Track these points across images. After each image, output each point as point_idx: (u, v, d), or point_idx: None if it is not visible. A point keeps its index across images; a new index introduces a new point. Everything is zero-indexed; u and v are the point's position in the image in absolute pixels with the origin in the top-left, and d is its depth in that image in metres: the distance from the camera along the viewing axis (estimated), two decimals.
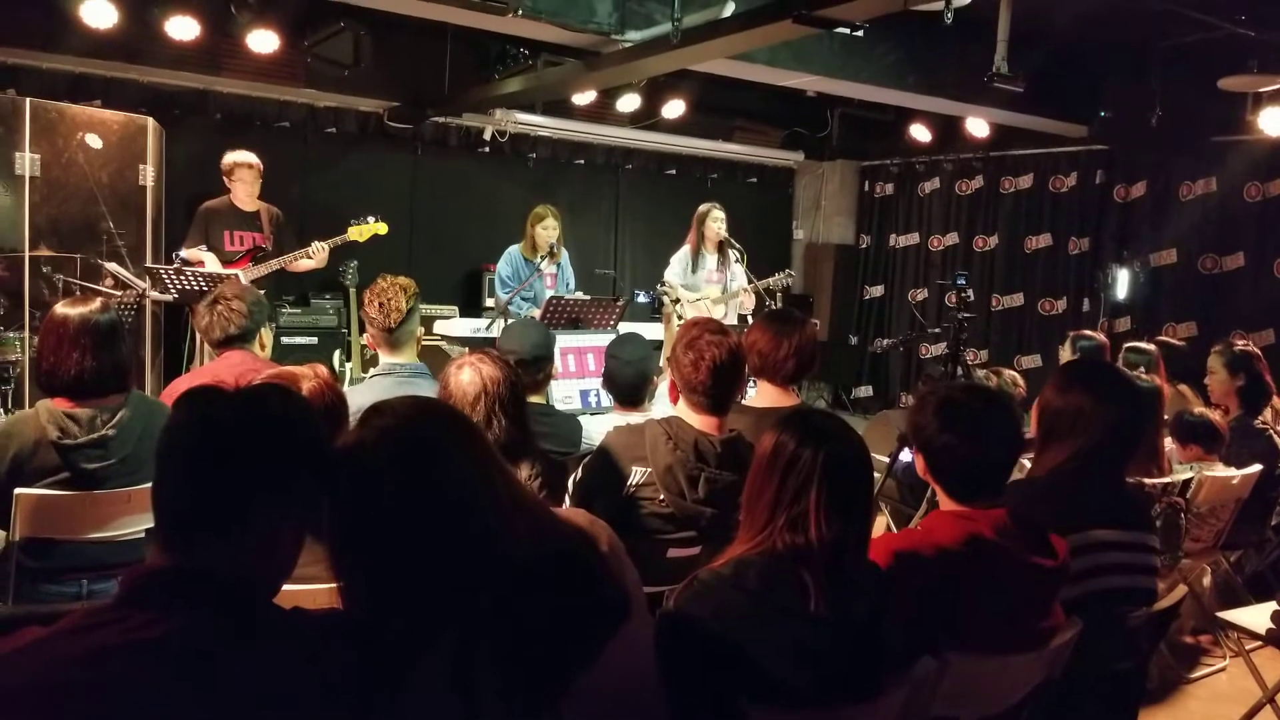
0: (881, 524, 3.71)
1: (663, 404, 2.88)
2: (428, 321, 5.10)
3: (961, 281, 3.97)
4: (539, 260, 4.99)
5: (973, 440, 1.65)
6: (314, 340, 5.75)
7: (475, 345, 5.80)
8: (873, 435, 4.86)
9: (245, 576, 1.01)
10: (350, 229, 5.02)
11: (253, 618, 0.98)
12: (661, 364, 3.80)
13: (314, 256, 4.88)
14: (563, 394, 3.87)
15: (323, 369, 1.76)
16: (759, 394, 2.49)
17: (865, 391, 8.22)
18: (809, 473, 1.42)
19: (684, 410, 2.11)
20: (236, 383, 1.07)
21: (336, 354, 5.63)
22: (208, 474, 1.01)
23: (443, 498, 1.03)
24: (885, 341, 7.92)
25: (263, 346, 2.72)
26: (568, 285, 5.25)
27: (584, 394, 3.95)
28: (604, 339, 4.16)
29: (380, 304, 2.48)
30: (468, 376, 1.86)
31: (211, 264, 4.81)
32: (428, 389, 2.44)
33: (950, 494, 1.72)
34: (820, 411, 1.50)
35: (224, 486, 1.02)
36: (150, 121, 5.16)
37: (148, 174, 5.06)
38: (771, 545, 1.42)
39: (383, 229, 5.08)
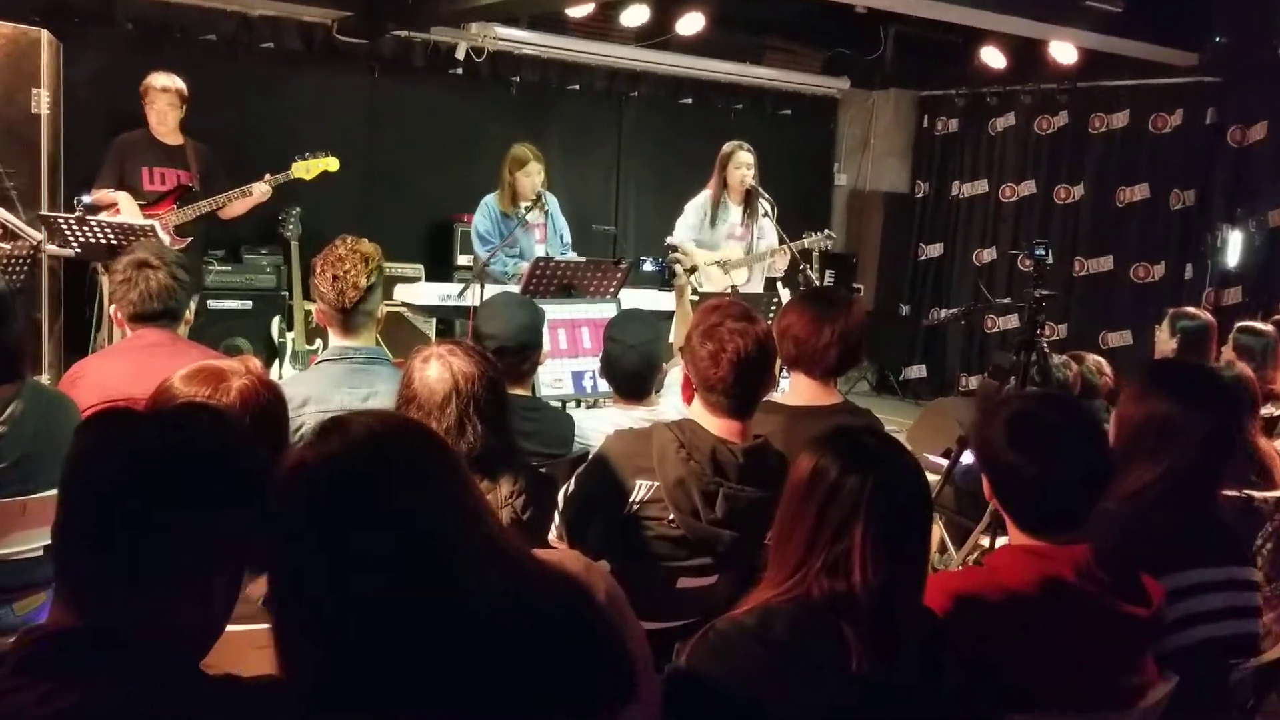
0: (935, 537, 3.73)
1: (674, 396, 2.91)
2: (387, 284, 5.09)
3: (1040, 253, 3.93)
4: (520, 212, 4.96)
5: (1048, 462, 1.65)
6: (247, 305, 5.75)
7: (446, 316, 5.90)
8: (926, 427, 4.89)
9: (169, 638, 1.01)
10: (295, 165, 4.99)
11: (177, 690, 0.97)
12: (671, 340, 3.80)
13: (256, 193, 4.87)
14: (551, 377, 3.87)
15: (255, 363, 1.74)
16: (793, 389, 2.48)
17: (918, 372, 8.23)
18: (853, 505, 1.41)
19: (699, 411, 2.10)
20: (151, 398, 1.05)
21: (275, 321, 5.62)
22: (124, 519, 1.00)
23: (411, 542, 1.02)
24: (943, 313, 7.92)
25: (186, 323, 2.70)
26: (561, 237, 5.22)
27: (577, 377, 3.95)
28: (602, 311, 4.17)
29: (334, 277, 2.46)
30: (435, 373, 1.85)
31: (127, 207, 4.78)
32: (387, 380, 2.44)
33: (1021, 525, 1.71)
34: (869, 429, 1.49)
35: (144, 533, 1.01)
36: (44, 34, 5.02)
37: (42, 100, 4.99)
38: (806, 591, 1.42)
39: (333, 165, 5.05)
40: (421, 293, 4.78)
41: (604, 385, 3.20)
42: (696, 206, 5.47)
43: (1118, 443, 1.93)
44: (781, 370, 3.12)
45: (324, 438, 1.09)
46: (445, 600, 1.00)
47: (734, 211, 5.49)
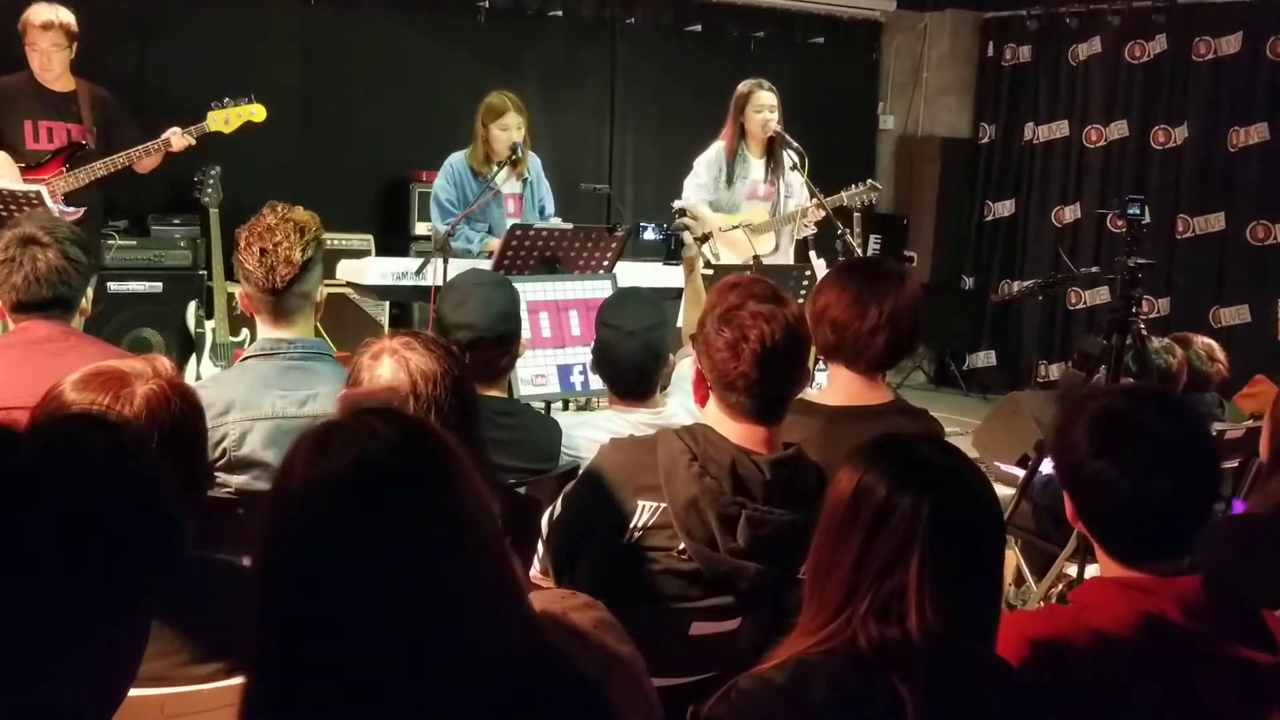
0: (1009, 565, 3.74)
1: (684, 395, 2.91)
2: (329, 259, 5.09)
3: (1135, 211, 3.92)
4: (493, 174, 4.95)
5: (1144, 474, 1.64)
6: (157, 288, 5.75)
7: (402, 299, 5.93)
8: (996, 429, 4.90)
9: (61, 715, 1.00)
10: (212, 115, 4.95)
11: None
12: (680, 325, 3.80)
13: (175, 145, 4.82)
14: (532, 372, 3.88)
15: (165, 364, 1.74)
16: (832, 385, 2.48)
17: (985, 360, 8.25)
18: (908, 532, 1.41)
19: (716, 415, 2.09)
20: (36, 409, 1.05)
21: (191, 308, 5.63)
22: None
23: (421, 590, 1.06)
24: (1016, 286, 7.91)
25: (82, 313, 2.70)
26: (541, 209, 5.23)
27: (563, 373, 3.96)
28: (593, 289, 4.19)
29: (263, 252, 2.45)
30: (388, 372, 1.85)
31: (5, 170, 4.77)
32: (330, 379, 2.44)
33: (1113, 552, 1.71)
34: (926, 435, 1.48)
35: (22, 593, 1.00)
36: None
37: None
38: (850, 639, 1.42)
39: (259, 114, 5.02)
40: (371, 270, 4.77)
41: (597, 382, 3.20)
42: (709, 161, 5.46)
43: (1271, 445, 1.92)
44: (817, 362, 3.12)
45: (321, 449, 1.11)
46: (462, 657, 1.04)
47: (755, 165, 5.48)
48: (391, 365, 1.85)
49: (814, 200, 5.27)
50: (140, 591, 1.06)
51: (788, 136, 5.27)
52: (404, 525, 1.07)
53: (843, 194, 5.45)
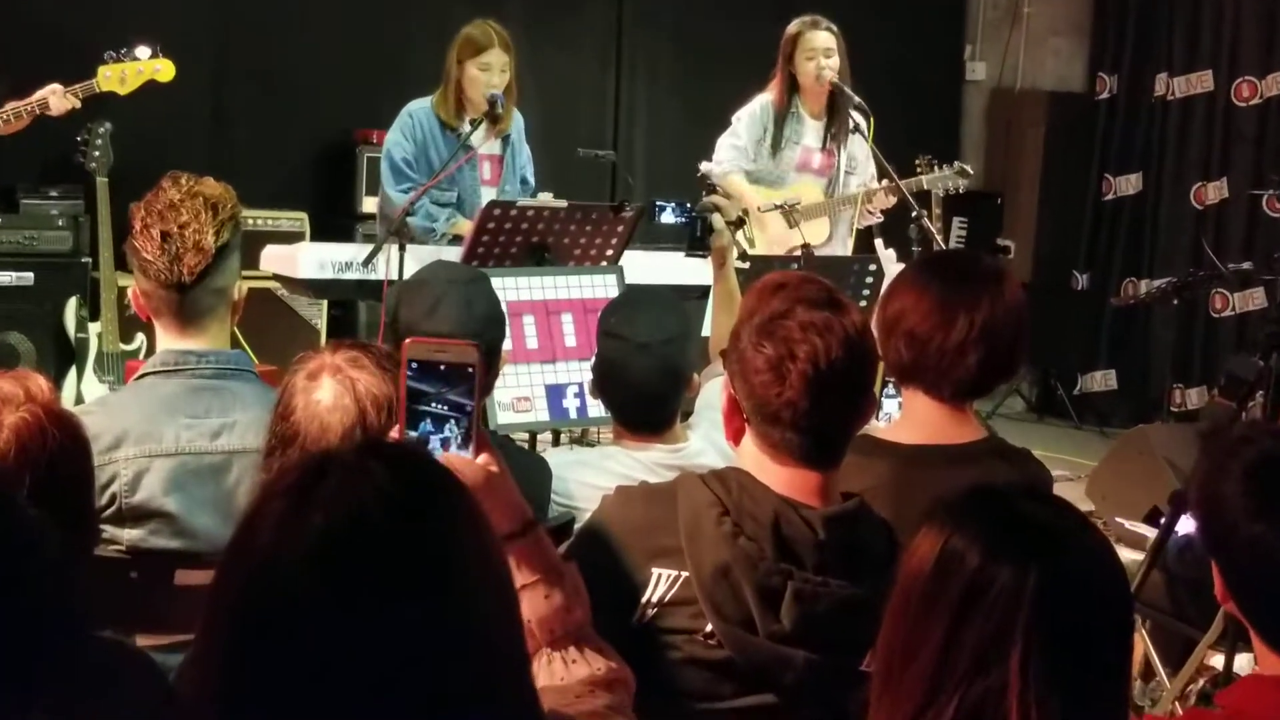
0: (1136, 654, 3.71)
1: (711, 428, 2.91)
2: (250, 245, 5.09)
3: None
4: (468, 128, 4.97)
5: None
6: (27, 280, 5.76)
7: (344, 296, 5.92)
8: (1118, 473, 4.88)
9: None
10: (104, 71, 4.91)
11: None
12: (706, 335, 3.80)
13: (53, 108, 4.73)
14: (512, 395, 3.90)
15: (40, 384, 1.74)
16: (906, 418, 2.48)
17: (1103, 382, 8.26)
18: (1006, 614, 1.41)
19: (754, 456, 2.09)
20: None
21: (71, 306, 5.65)
22: None
23: (426, 692, 1.08)
24: (1144, 286, 7.90)
25: None
26: (523, 177, 5.25)
27: (554, 395, 3.97)
28: (594, 287, 4.20)
29: (164, 236, 2.45)
30: (329, 397, 1.86)
31: None
32: (252, 404, 2.44)
33: (1273, 640, 1.71)
34: (1030, 486, 1.48)
35: None
36: None
37: None
38: None
39: (165, 71, 5.01)
40: (305, 259, 4.79)
41: (598, 409, 3.20)
42: (752, 117, 5.49)
43: None
44: (885, 386, 3.12)
45: (298, 502, 1.12)
46: None
47: (810, 127, 5.50)
48: (333, 389, 1.86)
49: (885, 181, 5.28)
50: (11, 688, 1.07)
51: (848, 90, 5.29)
52: (412, 608, 1.08)
53: (922, 177, 5.47)
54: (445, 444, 1.57)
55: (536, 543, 1.66)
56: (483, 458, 1.59)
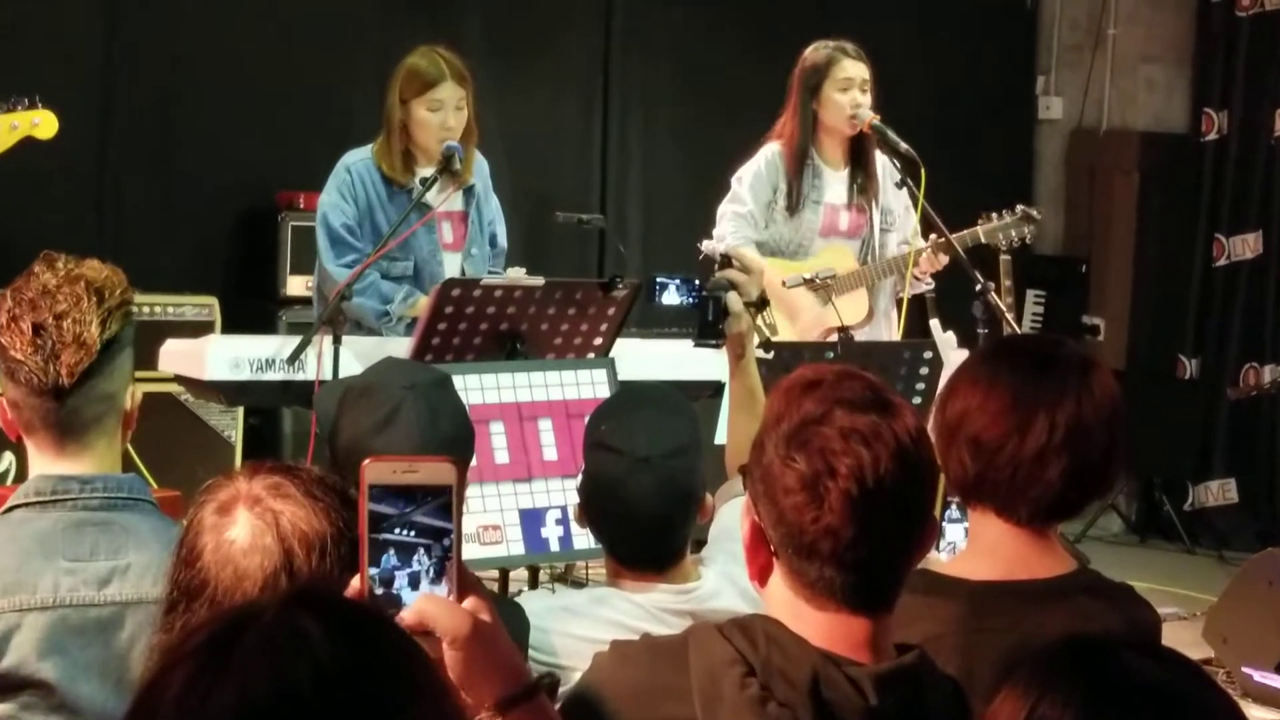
0: None
1: (729, 563, 2.90)
2: (147, 339, 5.08)
3: None
4: (418, 185, 4.99)
5: None
6: None
7: (265, 402, 5.89)
8: (1243, 613, 4.83)
9: None
10: None
11: None
12: (720, 442, 3.78)
13: None
14: (478, 522, 3.90)
15: None
16: (974, 545, 2.49)
17: (1219, 493, 8.23)
18: None
19: (786, 599, 2.07)
20: None
21: None
22: None
23: None
24: (1270, 374, 7.94)
25: None
26: (493, 238, 5.29)
27: (530, 522, 3.98)
28: (580, 385, 4.20)
29: (37, 329, 2.45)
30: (246, 535, 1.84)
31: None
32: (147, 543, 2.43)
33: None
34: (1134, 636, 1.47)
35: None
36: None
37: None
38: None
39: (47, 126, 5.04)
40: (216, 356, 4.78)
41: (585, 539, 3.18)
42: (757, 176, 5.52)
43: None
44: (947, 507, 3.10)
45: (211, 671, 1.11)
46: None
47: (833, 180, 5.53)
48: (251, 525, 1.84)
49: (934, 236, 5.28)
50: None
51: (892, 134, 5.31)
52: None
53: (979, 228, 5.48)
54: (415, 581, 1.54)
55: (539, 712, 1.64)
56: (469, 602, 1.57)
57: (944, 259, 5.30)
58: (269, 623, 1.13)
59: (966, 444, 2.39)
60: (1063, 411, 2.36)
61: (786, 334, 5.19)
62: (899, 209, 5.49)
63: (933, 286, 5.52)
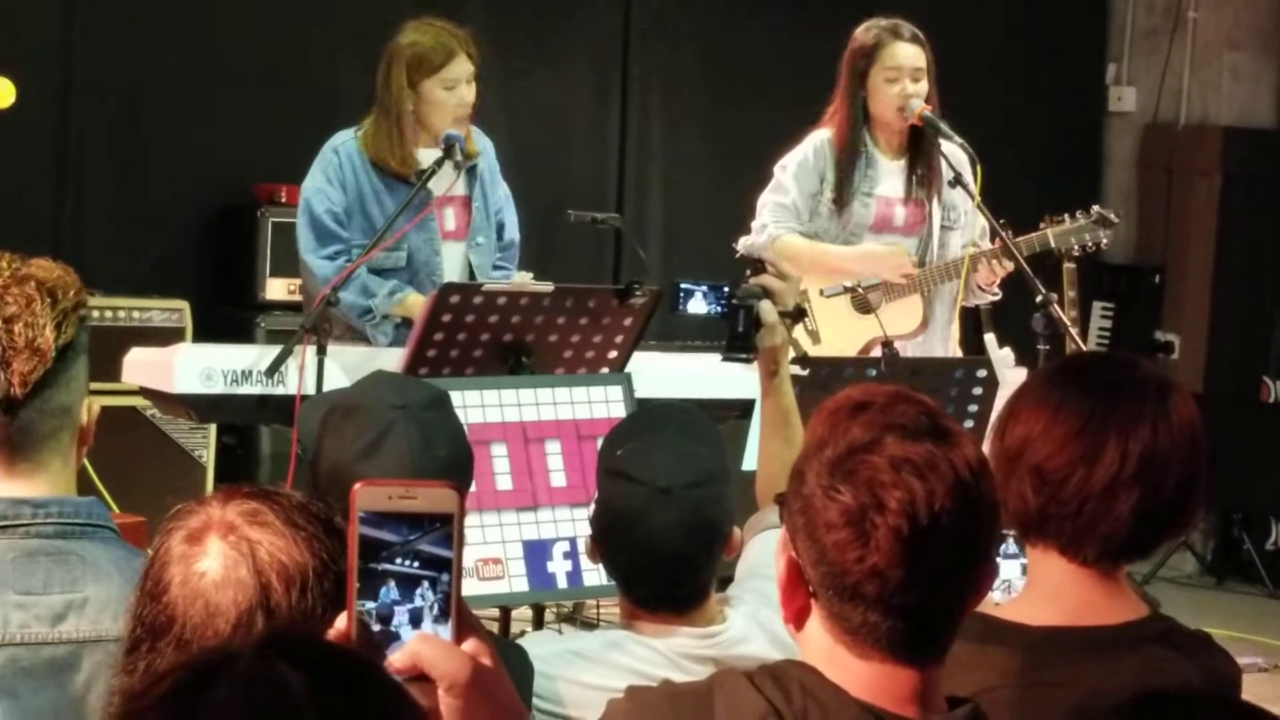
0: None
1: (760, 604, 2.90)
2: (107, 347, 5.09)
3: None
4: (428, 169, 4.98)
5: None
6: None
7: (241, 419, 5.88)
8: None
9: None
10: None
11: None
12: (749, 468, 3.77)
13: None
14: (477, 555, 3.91)
15: None
16: (1035, 587, 2.48)
17: None
18: None
19: (825, 645, 2.06)
20: None
21: None
22: None
23: None
24: None
25: None
26: (500, 228, 5.30)
27: (535, 555, 3.98)
28: (594, 404, 4.20)
29: None
30: (218, 568, 1.83)
31: None
32: (107, 574, 2.42)
33: None
34: (1209, 690, 1.46)
35: None
36: None
37: None
38: None
39: (4, 93, 5.06)
40: (186, 367, 4.79)
41: (597, 576, 3.18)
42: (803, 164, 5.52)
43: None
44: (1005, 543, 3.08)
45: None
46: None
47: (888, 171, 5.55)
48: (224, 556, 1.83)
49: (998, 243, 5.27)
50: None
51: (944, 126, 5.31)
52: None
53: (1048, 230, 5.46)
54: (416, 618, 1.53)
55: None
56: (469, 644, 1.57)
57: (1007, 265, 5.27)
58: (243, 671, 1.12)
59: (1028, 474, 2.38)
60: (1136, 439, 2.35)
61: (830, 346, 5.18)
62: (964, 207, 5.47)
63: (999, 297, 5.49)
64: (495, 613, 4.16)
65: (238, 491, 1.93)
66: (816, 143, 5.50)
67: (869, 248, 5.42)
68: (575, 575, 3.93)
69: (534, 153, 7.05)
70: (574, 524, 3.86)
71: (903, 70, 5.35)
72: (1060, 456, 2.37)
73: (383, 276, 4.98)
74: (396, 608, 1.52)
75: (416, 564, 1.52)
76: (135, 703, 1.14)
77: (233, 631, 1.82)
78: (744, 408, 4.45)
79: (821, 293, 5.23)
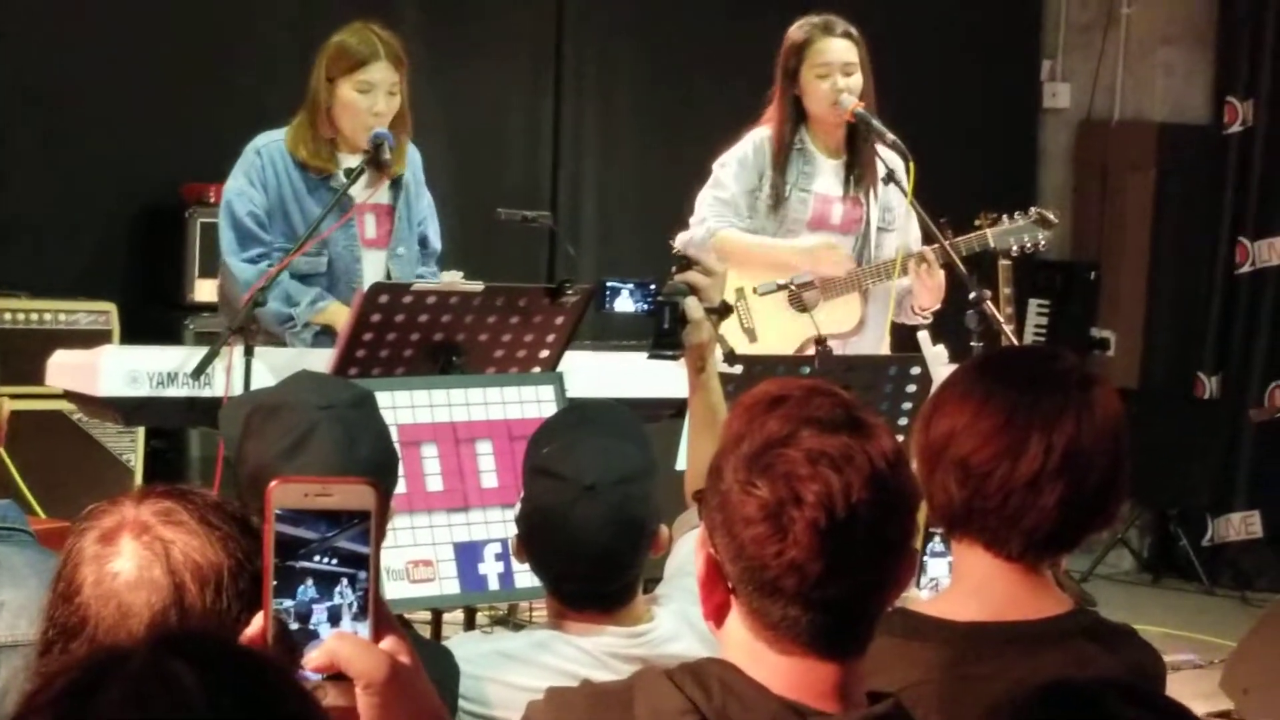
0: None
1: (685, 601, 2.88)
2: (32, 349, 5.06)
3: None
4: (342, 177, 4.99)
5: None
6: None
7: (166, 423, 5.83)
8: (1266, 662, 4.82)
9: None
10: None
11: None
12: (680, 468, 3.78)
13: None
14: (408, 557, 3.90)
15: None
16: (960, 582, 2.49)
17: (1242, 527, 8.28)
18: None
19: (745, 641, 2.06)
20: None
21: None
22: None
23: None
24: None
25: None
26: (423, 239, 5.31)
27: (466, 556, 3.99)
28: (525, 403, 4.21)
29: None
30: (131, 567, 1.82)
31: None
32: (24, 578, 2.41)
33: None
34: (1136, 684, 1.48)
35: None
36: None
37: None
38: None
39: None
40: (112, 369, 4.75)
41: (528, 578, 3.18)
42: (742, 161, 5.55)
43: None
44: (930, 539, 3.09)
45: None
46: None
47: (823, 167, 5.56)
48: (137, 556, 1.83)
49: (938, 245, 5.28)
50: None
51: (877, 123, 5.33)
52: None
53: (987, 230, 5.47)
54: (335, 616, 1.53)
55: None
56: (388, 642, 1.56)
57: (940, 275, 5.27)
58: (136, 670, 1.11)
59: (953, 468, 2.39)
60: (1060, 432, 2.36)
61: (764, 343, 5.19)
62: (900, 209, 5.50)
63: (930, 322, 5.43)
64: (427, 615, 4.15)
65: (152, 491, 1.92)
66: (756, 140, 5.52)
67: (808, 243, 5.43)
68: (507, 577, 3.92)
69: (467, 150, 7.05)
70: (505, 525, 3.85)
71: (833, 66, 5.37)
72: (985, 450, 2.38)
73: (304, 282, 4.97)
74: (314, 606, 1.52)
75: (335, 561, 1.52)
76: (28, 703, 1.13)
77: (147, 633, 1.81)
78: (677, 406, 4.45)
79: (755, 290, 5.24)
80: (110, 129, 6.73)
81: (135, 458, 6.14)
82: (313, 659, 1.52)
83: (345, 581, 1.52)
